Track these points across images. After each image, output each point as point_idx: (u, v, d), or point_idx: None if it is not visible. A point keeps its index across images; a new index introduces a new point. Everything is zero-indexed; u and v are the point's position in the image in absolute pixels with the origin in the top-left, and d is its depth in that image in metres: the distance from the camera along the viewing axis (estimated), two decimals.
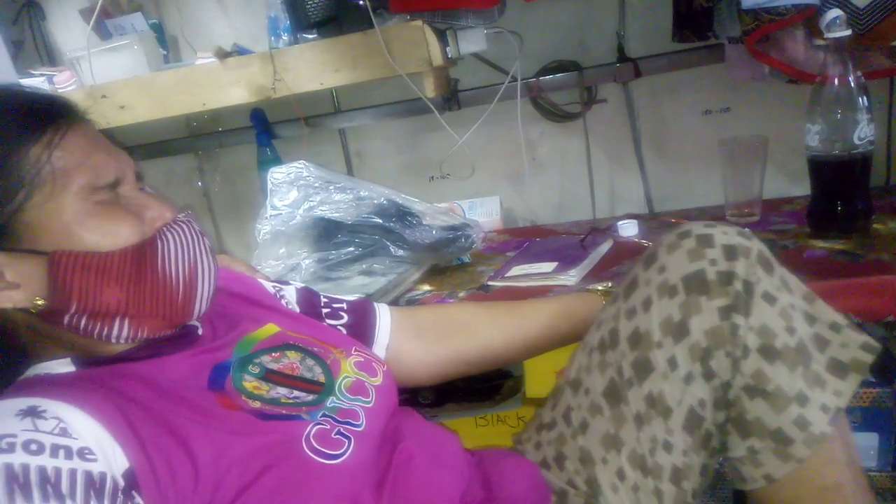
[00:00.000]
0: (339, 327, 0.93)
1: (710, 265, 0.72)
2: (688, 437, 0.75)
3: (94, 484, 0.55)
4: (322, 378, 0.75)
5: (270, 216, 1.36)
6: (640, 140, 1.64)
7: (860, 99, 1.09)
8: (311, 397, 0.72)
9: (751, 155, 1.31)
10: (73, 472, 0.54)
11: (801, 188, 1.39)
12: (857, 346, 0.73)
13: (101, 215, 0.65)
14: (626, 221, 1.43)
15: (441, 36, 1.42)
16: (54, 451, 0.54)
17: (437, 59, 1.41)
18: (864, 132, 1.10)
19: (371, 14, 1.38)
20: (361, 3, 1.39)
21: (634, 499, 0.77)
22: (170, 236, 0.69)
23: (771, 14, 1.16)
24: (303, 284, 0.98)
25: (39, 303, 0.64)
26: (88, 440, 0.57)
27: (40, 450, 0.54)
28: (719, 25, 1.36)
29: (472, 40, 1.45)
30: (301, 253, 1.35)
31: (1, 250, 0.62)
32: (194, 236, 0.71)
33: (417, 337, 0.96)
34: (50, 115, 0.65)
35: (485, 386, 1.46)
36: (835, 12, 1.08)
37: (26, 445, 0.54)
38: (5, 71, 1.47)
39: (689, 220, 1.39)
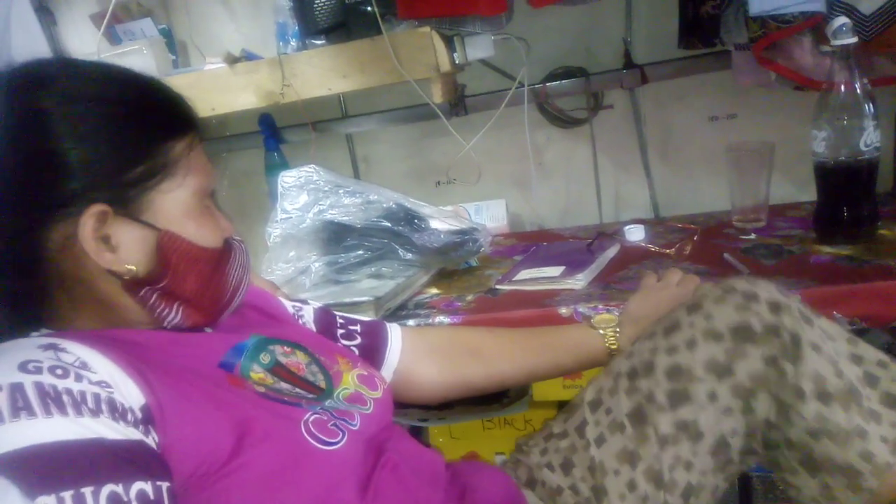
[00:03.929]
0: (352, 348, 0.96)
1: (757, 318, 0.79)
2: (710, 460, 0.80)
3: (117, 408, 0.58)
4: (323, 385, 0.79)
5: (281, 220, 1.37)
6: (647, 146, 1.65)
7: (866, 105, 1.10)
8: (311, 396, 0.76)
9: (757, 161, 1.32)
10: (97, 395, 0.58)
11: (808, 194, 1.39)
12: None
13: (205, 216, 0.74)
14: (632, 226, 1.44)
15: (449, 42, 1.43)
16: (78, 377, 0.58)
17: (445, 65, 1.42)
18: (871, 138, 1.11)
19: (379, 20, 1.39)
20: (369, 9, 1.40)
21: None
22: (236, 249, 0.78)
23: (778, 21, 1.17)
24: (320, 304, 1.02)
25: (130, 268, 0.69)
26: (105, 377, 0.60)
27: (65, 374, 0.58)
28: (726, 32, 1.36)
29: (479, 46, 1.46)
30: (311, 256, 1.36)
31: (120, 216, 0.67)
32: (246, 254, 0.81)
33: (428, 358, 0.99)
34: (194, 122, 0.75)
35: None
36: (841, 19, 1.09)
37: (52, 370, 0.58)
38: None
39: (695, 225, 1.42)
